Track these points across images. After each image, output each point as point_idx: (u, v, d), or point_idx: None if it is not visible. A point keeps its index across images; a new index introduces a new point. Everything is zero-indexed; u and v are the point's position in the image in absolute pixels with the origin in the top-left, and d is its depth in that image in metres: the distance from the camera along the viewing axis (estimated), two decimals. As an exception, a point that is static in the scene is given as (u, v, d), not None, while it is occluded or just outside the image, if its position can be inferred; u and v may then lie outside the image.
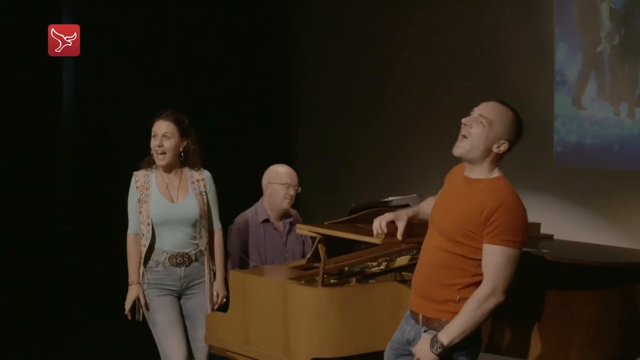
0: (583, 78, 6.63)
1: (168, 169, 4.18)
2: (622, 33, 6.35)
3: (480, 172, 3.13)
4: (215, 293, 4.25)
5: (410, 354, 3.18)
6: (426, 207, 3.48)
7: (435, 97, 7.48)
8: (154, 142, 4.13)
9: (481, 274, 3.03)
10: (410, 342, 3.19)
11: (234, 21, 8.15)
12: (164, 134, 4.11)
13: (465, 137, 3.12)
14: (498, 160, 3.14)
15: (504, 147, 3.09)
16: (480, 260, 3.03)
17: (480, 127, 3.09)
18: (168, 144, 4.12)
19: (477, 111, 3.13)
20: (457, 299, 3.05)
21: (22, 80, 6.73)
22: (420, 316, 3.15)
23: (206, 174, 4.29)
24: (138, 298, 4.14)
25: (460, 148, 3.13)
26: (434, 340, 3.03)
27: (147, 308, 4.14)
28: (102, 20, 7.29)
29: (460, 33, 7.41)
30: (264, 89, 8.60)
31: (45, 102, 6.91)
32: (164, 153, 4.12)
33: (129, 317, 4.18)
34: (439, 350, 3.02)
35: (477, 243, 3.02)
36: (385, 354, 3.35)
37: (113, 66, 7.46)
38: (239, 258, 4.59)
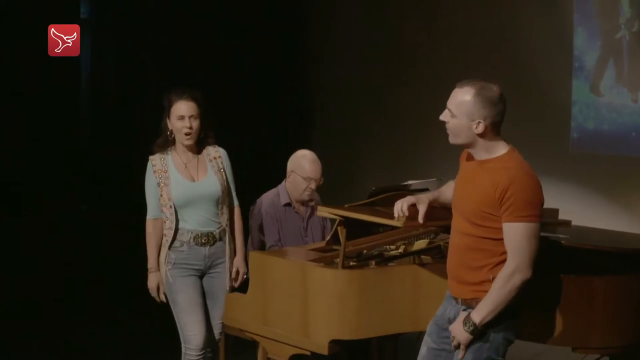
0: (601, 64, 6.62)
1: (189, 148, 4.18)
2: (641, 20, 6.33)
3: (482, 154, 3.15)
4: (235, 269, 4.26)
5: None
6: (446, 190, 3.50)
7: (453, 81, 7.47)
8: (181, 124, 4.08)
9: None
10: (451, 320, 3.23)
11: (253, 7, 8.16)
12: (191, 115, 4.10)
13: (448, 130, 3.18)
14: (494, 137, 3.11)
15: (481, 126, 3.07)
16: (500, 239, 3.06)
17: (451, 120, 3.13)
18: (195, 124, 4.11)
19: (447, 105, 3.17)
20: (491, 278, 3.09)
21: (38, 63, 6.77)
22: (459, 299, 3.20)
23: (222, 151, 4.28)
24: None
25: (449, 138, 3.20)
26: (466, 320, 3.09)
27: (165, 297, 4.17)
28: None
29: (480, 18, 7.39)
30: (281, 74, 8.62)
31: (63, 83, 6.94)
32: (190, 134, 4.12)
33: (162, 301, 4.19)
34: (471, 328, 3.08)
35: (496, 223, 3.06)
36: (428, 329, 3.40)
37: (131, 49, 7.49)
38: (259, 239, 4.61)
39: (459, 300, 3.21)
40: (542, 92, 6.91)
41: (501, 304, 3.05)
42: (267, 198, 4.67)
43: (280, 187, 4.70)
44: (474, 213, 3.10)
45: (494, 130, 3.11)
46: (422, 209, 3.33)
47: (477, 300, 3.12)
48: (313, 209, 4.72)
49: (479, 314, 3.07)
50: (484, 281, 3.10)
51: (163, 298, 4.19)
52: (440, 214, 3.49)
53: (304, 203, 4.69)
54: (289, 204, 4.65)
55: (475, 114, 3.07)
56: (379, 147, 8.33)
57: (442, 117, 3.17)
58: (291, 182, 4.62)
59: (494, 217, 3.05)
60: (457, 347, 3.16)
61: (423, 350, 3.40)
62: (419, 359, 3.41)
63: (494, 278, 3.08)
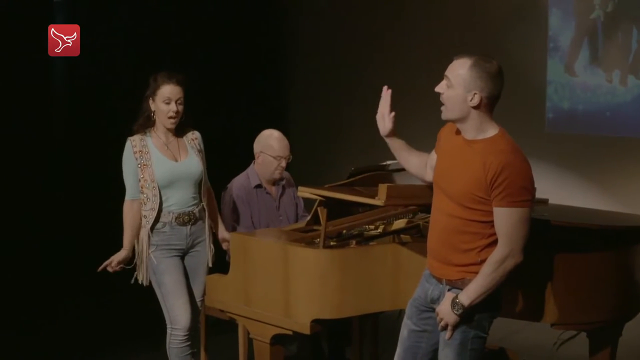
0: (576, 45, 6.67)
1: (170, 129, 4.18)
2: (615, 0, 6.37)
3: (472, 132, 3.09)
4: (225, 245, 4.37)
5: (434, 311, 3.23)
6: (413, 158, 3.50)
7: (428, 62, 7.49)
8: (167, 108, 4.09)
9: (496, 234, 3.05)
10: (435, 301, 3.22)
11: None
12: (177, 99, 4.11)
13: (442, 104, 3.12)
14: (487, 114, 3.07)
15: (476, 98, 3.02)
16: (490, 222, 3.03)
17: (448, 90, 3.07)
18: (181, 108, 4.13)
19: (445, 74, 3.12)
20: (479, 261, 3.07)
21: (12, 47, 6.73)
22: (444, 280, 3.18)
23: (197, 134, 4.31)
24: (146, 265, 4.16)
25: (442, 113, 3.14)
26: (454, 302, 3.07)
27: (153, 274, 4.18)
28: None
29: (455, -1, 7.41)
30: (256, 55, 8.58)
31: (36, 67, 6.88)
32: (175, 117, 4.13)
33: (98, 269, 4.15)
34: (460, 311, 3.07)
35: (486, 206, 3.02)
36: (407, 312, 3.38)
37: (106, 31, 7.43)
38: (231, 225, 4.61)
39: (444, 280, 3.18)
40: (518, 73, 6.94)
41: (491, 288, 3.04)
42: (237, 182, 4.68)
43: (250, 169, 4.71)
44: (465, 196, 3.05)
45: (489, 106, 3.06)
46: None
47: (463, 281, 3.11)
48: (284, 188, 4.74)
49: (468, 297, 3.05)
50: (471, 263, 3.09)
51: (147, 279, 4.17)
52: (418, 192, 3.50)
53: (274, 182, 4.71)
54: (259, 186, 4.66)
55: (472, 84, 3.01)
56: (357, 128, 8.33)
57: (437, 89, 3.12)
58: (260, 163, 4.63)
59: (485, 200, 3.01)
60: (444, 327, 3.15)
61: (404, 332, 3.39)
62: (400, 342, 3.40)
63: (482, 260, 3.06)
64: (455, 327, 3.12)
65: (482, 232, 3.07)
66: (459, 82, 3.04)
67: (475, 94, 3.02)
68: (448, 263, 3.15)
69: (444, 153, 3.25)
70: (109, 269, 4.13)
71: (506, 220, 2.99)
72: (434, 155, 3.38)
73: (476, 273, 3.07)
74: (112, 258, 4.13)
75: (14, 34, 6.71)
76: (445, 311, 3.11)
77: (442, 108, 3.12)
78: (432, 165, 3.39)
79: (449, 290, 3.16)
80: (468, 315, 3.10)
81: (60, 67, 7.32)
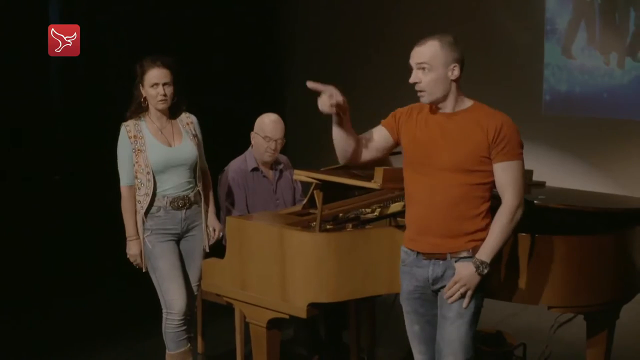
0: (573, 27, 6.64)
1: (163, 113, 4.16)
2: (613, -18, 6.35)
3: (451, 105, 3.23)
4: (211, 229, 4.32)
5: (434, 292, 3.27)
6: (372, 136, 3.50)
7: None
8: (155, 91, 4.07)
9: (492, 197, 3.19)
10: (439, 279, 3.24)
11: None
12: (165, 82, 4.08)
13: (422, 91, 3.21)
14: (458, 85, 3.22)
15: (456, 70, 3.19)
16: (489, 183, 3.18)
17: (426, 75, 3.19)
18: (169, 91, 4.10)
19: (413, 64, 3.23)
20: (484, 226, 3.19)
21: (10, 34, 6.71)
22: (448, 254, 3.21)
23: (193, 118, 4.30)
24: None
25: (423, 99, 3.24)
26: (478, 264, 3.15)
27: (148, 258, 4.17)
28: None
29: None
30: (253, 38, 8.55)
31: (33, 52, 6.86)
32: (165, 100, 4.11)
33: (144, 269, 4.20)
34: (486, 270, 3.16)
35: (488, 166, 3.17)
36: (409, 308, 3.38)
37: (101, 16, 7.40)
38: (226, 207, 4.60)
39: (447, 254, 3.21)
40: (515, 55, 6.93)
41: (506, 239, 3.19)
42: (234, 165, 4.67)
43: (247, 152, 4.70)
44: (470, 160, 3.16)
45: (461, 75, 3.20)
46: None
47: (466, 251, 3.18)
48: (282, 172, 4.72)
49: (488, 254, 3.16)
50: (478, 230, 3.19)
51: (144, 265, 4.18)
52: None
53: (271, 166, 4.69)
54: (256, 169, 4.65)
55: (449, 58, 3.17)
56: (354, 112, 8.31)
57: (413, 79, 3.23)
58: (254, 144, 4.63)
59: (488, 160, 3.16)
60: (462, 295, 3.18)
61: (415, 328, 3.39)
62: (415, 340, 3.40)
63: (487, 225, 3.18)
64: (474, 290, 3.20)
65: (483, 196, 3.20)
66: (438, 62, 3.17)
67: (455, 66, 3.18)
68: (453, 236, 3.20)
69: (416, 133, 3.29)
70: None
71: (512, 172, 3.16)
72: (383, 131, 3.44)
73: (480, 240, 3.18)
74: (137, 255, 4.16)
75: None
76: (469, 276, 3.17)
77: (422, 94, 3.22)
78: (383, 137, 3.44)
79: (455, 261, 3.20)
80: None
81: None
